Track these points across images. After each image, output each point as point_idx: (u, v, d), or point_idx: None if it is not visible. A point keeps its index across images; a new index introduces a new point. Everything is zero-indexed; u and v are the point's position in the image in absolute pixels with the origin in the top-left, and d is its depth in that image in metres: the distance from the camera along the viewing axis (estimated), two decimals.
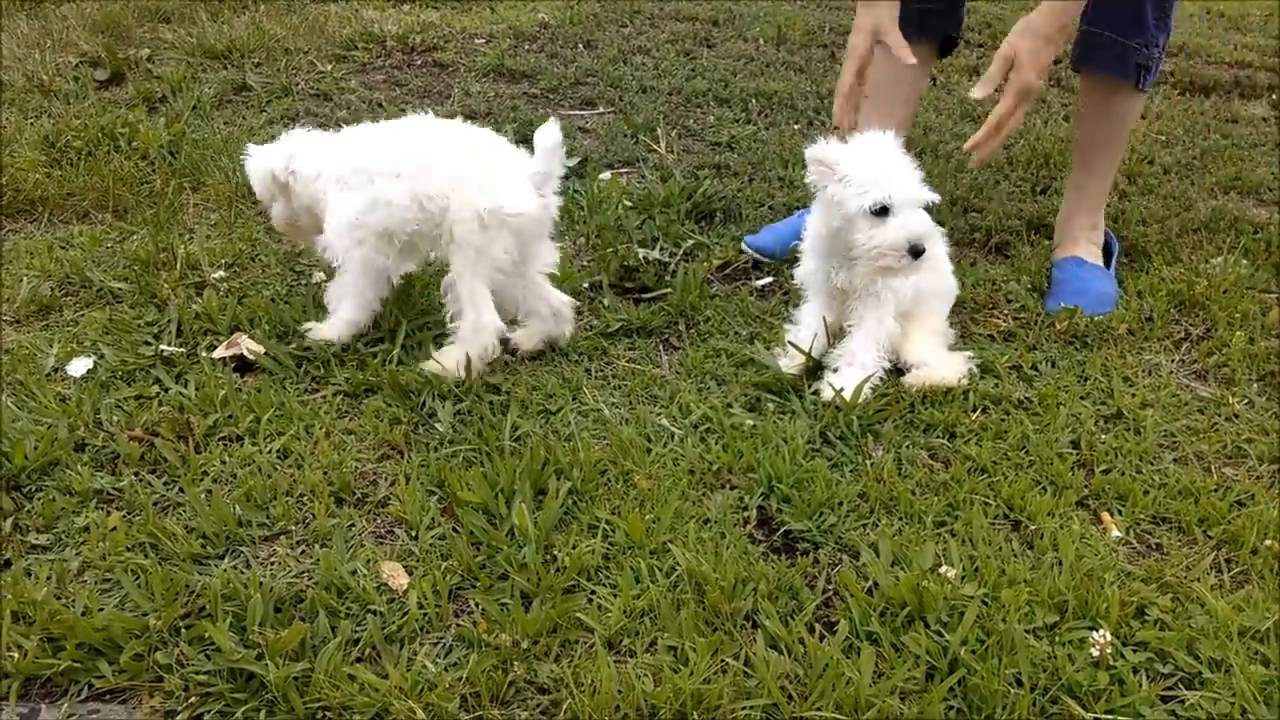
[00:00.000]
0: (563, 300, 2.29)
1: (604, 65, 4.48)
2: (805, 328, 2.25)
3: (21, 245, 2.64)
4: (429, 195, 2.10)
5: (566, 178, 3.19)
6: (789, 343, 2.24)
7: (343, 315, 2.24)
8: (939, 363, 2.20)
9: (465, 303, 2.13)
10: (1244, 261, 2.75)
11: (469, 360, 2.12)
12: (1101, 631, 1.54)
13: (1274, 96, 4.44)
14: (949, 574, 1.63)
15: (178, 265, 2.48)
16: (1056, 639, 1.55)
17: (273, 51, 4.34)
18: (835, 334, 2.23)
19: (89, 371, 2.12)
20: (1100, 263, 2.67)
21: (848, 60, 2.34)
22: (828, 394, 2.10)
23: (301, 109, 3.74)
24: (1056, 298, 2.51)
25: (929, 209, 2.06)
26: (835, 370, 2.15)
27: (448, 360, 2.14)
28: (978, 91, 2.22)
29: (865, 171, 2.01)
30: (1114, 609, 1.59)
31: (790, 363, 2.21)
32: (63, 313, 2.35)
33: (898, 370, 2.25)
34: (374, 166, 2.15)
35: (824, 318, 2.23)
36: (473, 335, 2.13)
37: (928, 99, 4.21)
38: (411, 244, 2.20)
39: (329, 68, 4.26)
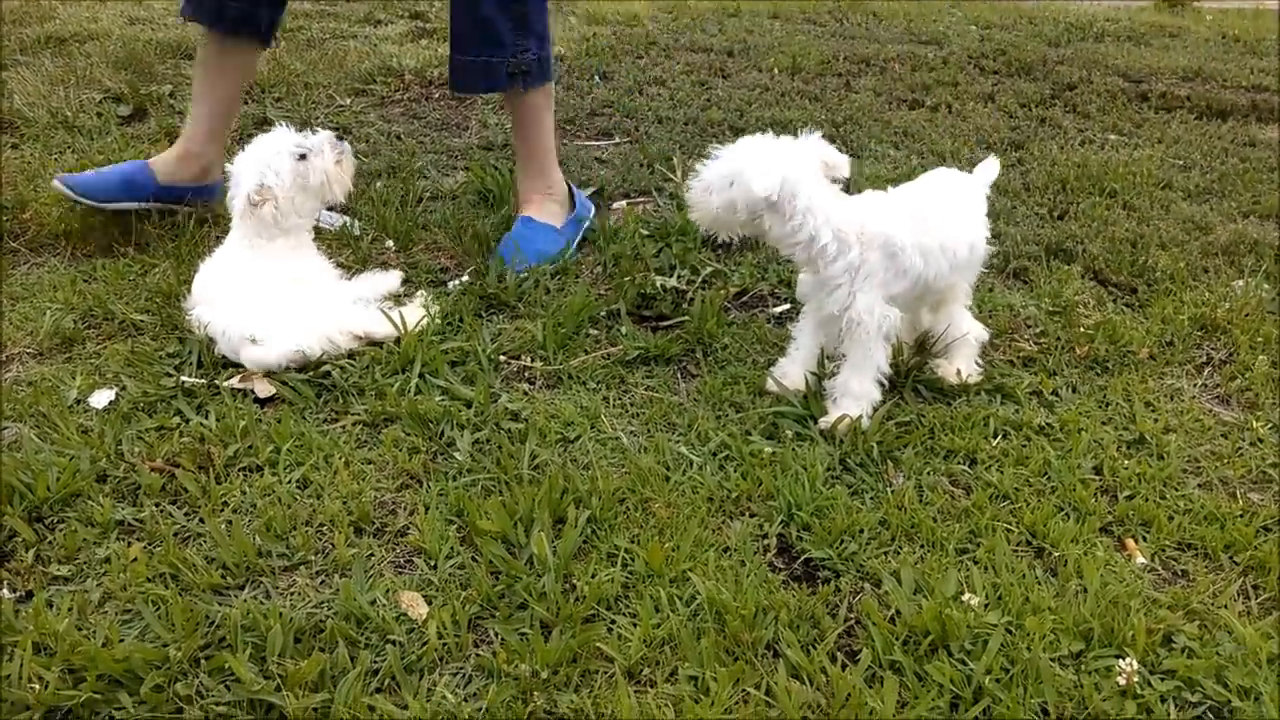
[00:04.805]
0: None
1: (620, 96, 4.51)
2: (798, 347, 2.23)
3: (45, 279, 2.67)
4: None
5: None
6: (771, 376, 2.24)
7: None
8: (954, 357, 2.29)
9: None
10: (1265, 285, 2.74)
11: None
12: (1128, 660, 1.52)
13: None
14: (972, 602, 1.61)
15: None
16: (1083, 667, 1.53)
17: (293, 86, 4.39)
18: (830, 354, 2.21)
19: (111, 403, 2.13)
20: (554, 222, 2.90)
21: None
22: (824, 426, 2.10)
23: None
24: (500, 251, 2.76)
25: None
26: (834, 400, 2.13)
27: None
28: None
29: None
30: (1140, 637, 1.57)
31: (787, 385, 2.21)
32: (85, 345, 2.37)
33: (917, 390, 2.24)
34: None
35: (819, 335, 2.20)
36: None
37: (943, 125, 4.22)
38: None
39: (348, 101, 4.31)
